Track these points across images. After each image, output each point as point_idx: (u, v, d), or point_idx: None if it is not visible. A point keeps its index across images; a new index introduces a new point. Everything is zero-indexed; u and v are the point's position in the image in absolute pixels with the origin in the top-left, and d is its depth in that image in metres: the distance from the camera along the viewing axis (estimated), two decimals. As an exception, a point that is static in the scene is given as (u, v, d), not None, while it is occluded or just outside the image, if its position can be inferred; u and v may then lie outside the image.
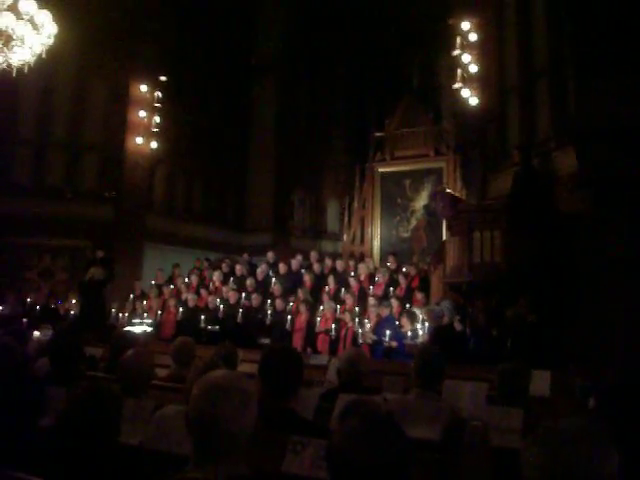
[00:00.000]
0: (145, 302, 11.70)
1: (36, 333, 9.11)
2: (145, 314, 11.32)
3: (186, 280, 12.60)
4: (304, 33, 16.49)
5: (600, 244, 7.68)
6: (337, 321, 9.69)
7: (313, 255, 12.81)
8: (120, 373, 3.87)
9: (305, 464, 2.62)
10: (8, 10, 7.65)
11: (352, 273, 11.54)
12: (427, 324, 8.79)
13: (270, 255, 12.92)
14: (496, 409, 3.57)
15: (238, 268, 12.46)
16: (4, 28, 7.73)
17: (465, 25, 11.89)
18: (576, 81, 8.49)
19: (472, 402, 4.06)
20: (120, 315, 11.34)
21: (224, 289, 11.42)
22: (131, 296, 11.94)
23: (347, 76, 17.08)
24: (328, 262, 12.19)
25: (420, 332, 8.85)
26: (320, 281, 11.51)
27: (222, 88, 16.13)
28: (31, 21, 7.87)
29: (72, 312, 11.56)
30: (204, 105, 15.60)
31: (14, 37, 7.88)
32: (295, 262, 12.20)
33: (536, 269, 7.99)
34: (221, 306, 10.78)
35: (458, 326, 8.23)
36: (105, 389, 2.38)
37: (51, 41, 8.22)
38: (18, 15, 7.74)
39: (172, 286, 12.33)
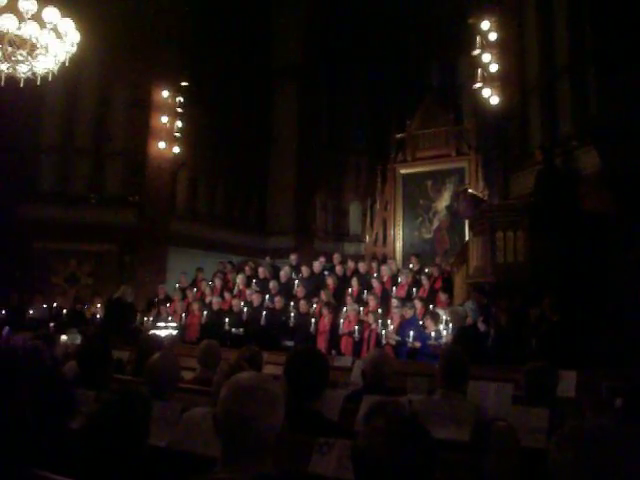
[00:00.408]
0: (169, 305, 11.79)
1: (63, 337, 9.24)
2: (170, 317, 11.40)
3: (210, 283, 12.68)
4: (323, 36, 16.55)
5: (624, 243, 7.62)
6: (360, 323, 9.69)
7: (336, 257, 12.84)
8: (147, 376, 3.92)
9: (331, 465, 2.65)
10: (32, 19, 7.77)
11: (375, 275, 11.54)
12: (451, 325, 8.77)
13: (293, 257, 12.97)
14: (521, 409, 3.56)
15: (261, 271, 12.52)
16: (28, 37, 7.86)
17: (485, 24, 11.84)
18: (597, 79, 8.43)
19: (497, 402, 4.05)
20: (145, 319, 11.44)
21: (247, 292, 11.48)
22: (155, 300, 12.04)
23: (367, 77, 17.07)
24: (351, 264, 12.21)
25: (444, 333, 8.82)
26: (343, 283, 11.53)
27: (243, 92, 16.22)
28: (55, 30, 7.98)
29: (98, 316, 11.68)
30: (225, 109, 15.68)
31: (38, 46, 8.00)
32: (317, 264, 12.23)
33: (560, 269, 7.94)
34: (245, 309, 10.82)
35: (482, 326, 8.20)
36: (135, 392, 2.41)
37: (74, 49, 8.33)
38: (42, 24, 7.86)
39: (195, 289, 12.42)
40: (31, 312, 11.68)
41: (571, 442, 1.52)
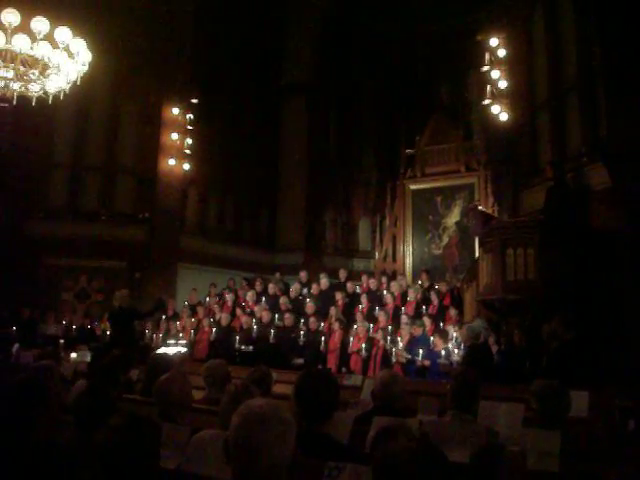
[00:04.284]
0: (178, 322, 11.78)
1: (73, 355, 9.26)
2: (180, 334, 11.39)
3: (217, 299, 12.67)
4: (333, 52, 16.61)
5: (636, 261, 7.58)
6: (369, 340, 9.66)
7: (341, 273, 12.82)
8: (156, 397, 3.90)
9: (341, 490, 2.62)
10: (44, 39, 7.85)
11: (385, 292, 11.49)
12: (460, 342, 8.72)
13: (303, 274, 12.95)
14: (533, 432, 3.52)
15: (271, 287, 12.51)
16: (41, 57, 7.94)
17: (494, 41, 11.88)
18: (607, 98, 8.42)
19: (508, 424, 4.01)
20: (154, 336, 11.43)
21: (256, 308, 11.45)
22: (163, 317, 12.04)
23: (376, 94, 17.11)
24: (363, 281, 12.18)
25: (455, 351, 8.78)
26: (352, 300, 11.50)
27: (252, 109, 16.32)
28: (66, 49, 8.07)
29: (108, 332, 11.70)
30: (235, 126, 15.77)
31: (50, 65, 8.09)
32: (324, 281, 12.19)
33: (571, 286, 7.89)
34: (255, 326, 10.80)
35: (493, 345, 8.16)
36: (144, 419, 2.40)
37: (86, 68, 8.42)
38: (54, 44, 7.95)
39: (205, 305, 12.41)
40: (46, 329, 11.72)
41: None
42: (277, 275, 13.85)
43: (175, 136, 14.40)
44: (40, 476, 2.74)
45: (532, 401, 3.84)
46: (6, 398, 3.30)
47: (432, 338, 9.08)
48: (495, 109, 11.77)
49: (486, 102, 12.06)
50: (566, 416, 3.91)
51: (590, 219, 8.78)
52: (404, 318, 9.79)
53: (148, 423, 2.41)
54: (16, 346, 9.70)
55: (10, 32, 7.66)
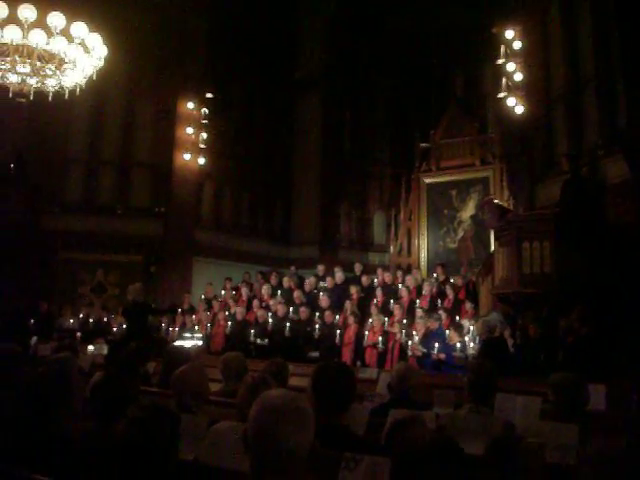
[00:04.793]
0: (194, 316, 11.84)
1: (90, 348, 9.33)
2: (196, 327, 11.46)
3: (233, 293, 12.72)
4: (346, 46, 16.57)
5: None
6: (385, 334, 9.66)
7: (357, 267, 12.82)
8: (174, 389, 3.93)
9: (359, 481, 2.63)
10: (60, 34, 7.90)
11: (400, 285, 11.48)
12: (476, 336, 8.70)
13: (321, 268, 12.96)
14: (550, 424, 3.51)
15: (285, 281, 12.54)
16: (57, 52, 8.00)
17: (509, 33, 11.78)
18: (625, 89, 8.35)
19: (525, 417, 4.01)
20: (170, 329, 11.50)
21: (271, 302, 11.48)
22: (179, 310, 12.10)
23: (391, 87, 17.06)
24: (378, 274, 12.18)
25: (471, 344, 8.76)
26: (367, 293, 11.50)
27: (267, 103, 16.33)
28: (82, 44, 8.11)
29: (124, 326, 11.77)
30: (250, 120, 15.79)
31: (66, 60, 8.14)
32: (339, 275, 12.19)
33: (587, 280, 7.84)
34: (270, 320, 10.83)
35: (509, 338, 8.14)
36: (163, 409, 2.42)
37: (101, 63, 8.47)
38: (70, 39, 7.99)
39: (220, 299, 12.48)
40: (64, 322, 11.83)
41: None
42: (292, 269, 13.86)
43: (190, 130, 14.44)
44: (62, 467, 2.77)
45: (550, 393, 3.83)
46: (28, 390, 3.33)
47: (447, 332, 9.07)
48: (510, 102, 11.69)
49: (501, 95, 11.97)
50: (584, 409, 3.90)
51: (606, 212, 8.72)
52: (419, 312, 9.78)
53: (168, 414, 2.43)
54: (34, 339, 9.80)
55: (27, 27, 7.72)
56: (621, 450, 1.55)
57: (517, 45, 11.72)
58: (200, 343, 10.73)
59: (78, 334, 11.00)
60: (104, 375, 3.46)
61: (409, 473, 1.74)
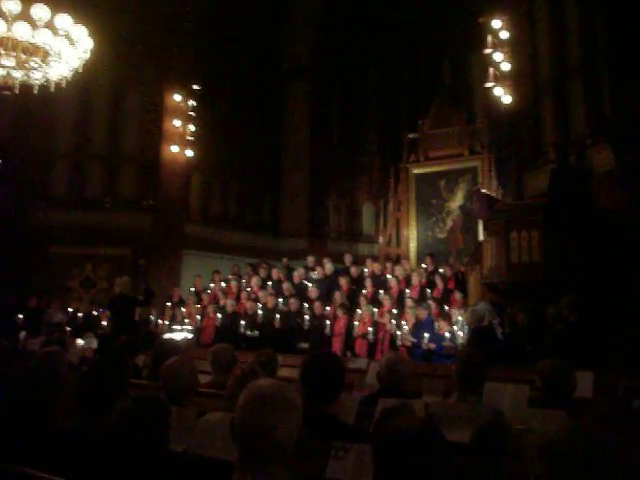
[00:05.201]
0: (184, 309, 11.83)
1: (79, 341, 9.32)
2: (186, 320, 11.45)
3: (222, 285, 12.71)
4: (335, 36, 16.52)
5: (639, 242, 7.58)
6: (375, 324, 9.69)
7: (347, 258, 12.82)
8: (163, 381, 3.93)
9: (348, 470, 2.64)
10: (45, 27, 7.84)
11: (389, 276, 11.51)
12: (465, 325, 8.75)
13: (311, 259, 12.96)
14: (538, 411, 3.54)
15: (274, 272, 12.54)
16: (42, 44, 7.93)
17: (496, 23, 11.80)
18: (610, 78, 8.38)
19: (513, 405, 4.03)
20: (160, 322, 11.49)
21: (261, 294, 11.49)
22: (168, 303, 12.09)
23: (379, 78, 17.04)
24: (367, 265, 12.20)
25: (460, 333, 8.81)
26: (356, 284, 11.52)
27: (255, 94, 16.24)
28: (67, 37, 8.06)
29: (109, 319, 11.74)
30: (237, 112, 15.71)
31: (51, 53, 8.08)
32: (329, 265, 12.20)
33: (575, 268, 7.90)
34: (260, 311, 10.84)
35: (498, 327, 8.18)
36: (154, 401, 2.43)
37: (87, 55, 8.41)
38: (55, 31, 7.93)
39: (209, 292, 12.47)
40: (53, 316, 11.79)
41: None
42: (284, 260, 13.85)
43: (178, 123, 14.38)
44: (53, 460, 2.77)
45: (537, 380, 3.85)
46: (18, 384, 3.33)
47: (437, 322, 9.11)
48: (498, 92, 11.72)
49: (489, 85, 11.99)
50: (571, 396, 3.93)
51: (594, 201, 8.77)
52: (409, 302, 9.81)
53: (158, 406, 2.44)
54: (23, 334, 9.78)
55: (11, 20, 7.65)
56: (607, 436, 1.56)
57: (504, 35, 11.74)
58: (190, 336, 10.73)
59: (67, 328, 10.99)
60: (91, 368, 3.45)
61: (388, 459, 1.75)
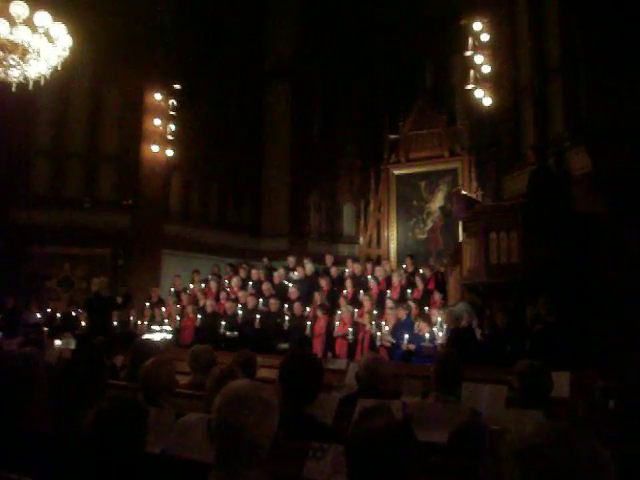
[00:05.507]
0: (164, 309, 11.77)
1: (57, 342, 9.24)
2: (166, 320, 11.40)
3: (202, 286, 12.67)
4: (316, 37, 16.53)
5: (617, 244, 7.66)
6: (355, 325, 9.70)
7: (328, 258, 12.83)
8: (141, 382, 3.91)
9: (325, 470, 2.64)
10: (24, 24, 7.76)
11: (369, 276, 11.53)
12: (445, 326, 8.78)
13: (291, 260, 12.95)
14: (515, 412, 3.56)
15: (254, 273, 12.51)
16: (20, 42, 7.85)
17: (477, 25, 11.87)
18: (587, 81, 8.46)
19: (491, 405, 4.06)
20: (139, 322, 11.42)
21: (240, 294, 11.46)
22: (147, 304, 12.03)
23: (360, 79, 17.06)
24: (348, 266, 12.21)
25: (439, 334, 8.84)
26: (336, 285, 11.53)
27: (236, 94, 16.21)
28: (46, 34, 7.98)
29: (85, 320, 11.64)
30: (218, 112, 15.67)
31: (30, 50, 8.00)
32: (309, 266, 12.20)
33: (554, 269, 7.97)
34: (240, 312, 10.81)
35: (477, 328, 8.23)
36: (131, 402, 2.41)
37: (66, 53, 8.34)
38: (33, 29, 7.85)
39: (188, 292, 12.41)
40: (30, 316, 11.68)
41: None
42: (265, 260, 13.84)
43: (158, 122, 14.29)
44: (28, 462, 2.74)
45: (514, 381, 3.88)
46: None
47: (416, 322, 9.14)
48: (479, 94, 11.79)
49: (469, 87, 12.06)
50: (548, 396, 3.96)
51: (572, 203, 8.85)
52: (389, 303, 9.84)
53: (136, 407, 2.42)
54: (0, 334, 9.67)
55: (-11, 17, 7.57)
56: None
57: (485, 37, 11.81)
58: (169, 336, 10.68)
59: (45, 329, 10.88)
60: (64, 368, 3.43)
61: (359, 459, 1.76)
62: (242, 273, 12.68)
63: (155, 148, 14.18)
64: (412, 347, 8.74)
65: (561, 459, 1.39)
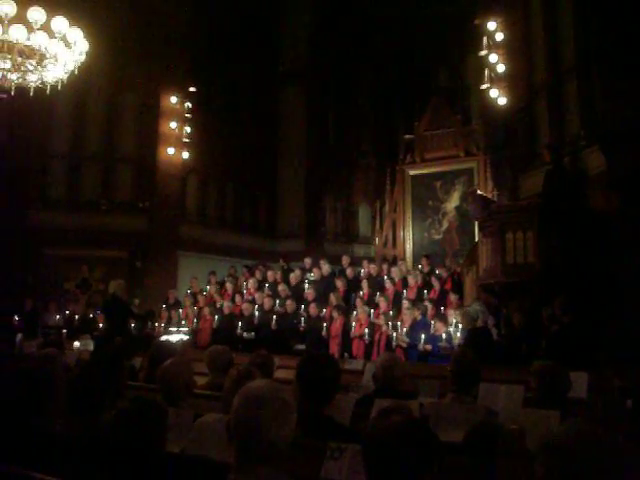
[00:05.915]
0: (181, 310, 11.83)
1: (76, 344, 9.32)
2: (183, 322, 11.46)
3: (218, 287, 12.70)
4: (330, 38, 16.55)
5: (633, 243, 7.61)
6: (371, 325, 9.70)
7: (344, 259, 12.83)
8: (160, 383, 3.95)
9: (343, 470, 2.66)
10: (41, 29, 7.84)
11: (385, 277, 11.52)
12: (461, 326, 8.76)
13: (308, 261, 12.95)
14: (532, 412, 3.56)
15: (270, 274, 12.53)
16: (38, 47, 7.93)
17: (491, 25, 11.82)
18: (602, 81, 8.41)
19: (508, 405, 4.06)
20: (156, 324, 11.48)
21: (257, 295, 11.49)
22: (164, 306, 12.09)
23: (374, 79, 17.08)
24: (364, 267, 12.21)
25: (457, 335, 8.82)
26: (353, 286, 11.53)
27: (251, 96, 16.26)
28: (63, 39, 8.05)
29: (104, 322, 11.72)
30: (234, 114, 15.73)
31: (47, 55, 8.08)
32: (326, 267, 12.21)
33: (570, 269, 7.93)
34: (256, 313, 10.84)
35: (493, 328, 8.21)
36: (152, 402, 2.44)
37: (83, 57, 8.41)
38: (51, 34, 7.93)
39: (205, 293, 12.46)
40: (49, 318, 11.79)
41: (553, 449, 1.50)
42: (281, 261, 13.86)
43: (174, 125, 14.41)
44: (49, 462, 2.78)
45: (532, 381, 3.88)
46: (12, 386, 3.34)
47: (433, 322, 9.13)
48: (493, 93, 11.75)
49: (484, 87, 12.03)
50: (566, 396, 3.96)
51: (588, 202, 8.80)
52: (405, 303, 9.82)
53: (155, 407, 2.45)
54: (19, 336, 9.77)
55: (7, 23, 7.65)
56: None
57: (499, 36, 11.77)
58: (186, 337, 10.73)
59: (64, 330, 10.97)
60: (82, 370, 3.47)
61: (376, 458, 1.78)
62: (258, 274, 12.71)
63: (171, 150, 14.28)
64: (429, 347, 8.73)
65: (591, 458, 1.41)
